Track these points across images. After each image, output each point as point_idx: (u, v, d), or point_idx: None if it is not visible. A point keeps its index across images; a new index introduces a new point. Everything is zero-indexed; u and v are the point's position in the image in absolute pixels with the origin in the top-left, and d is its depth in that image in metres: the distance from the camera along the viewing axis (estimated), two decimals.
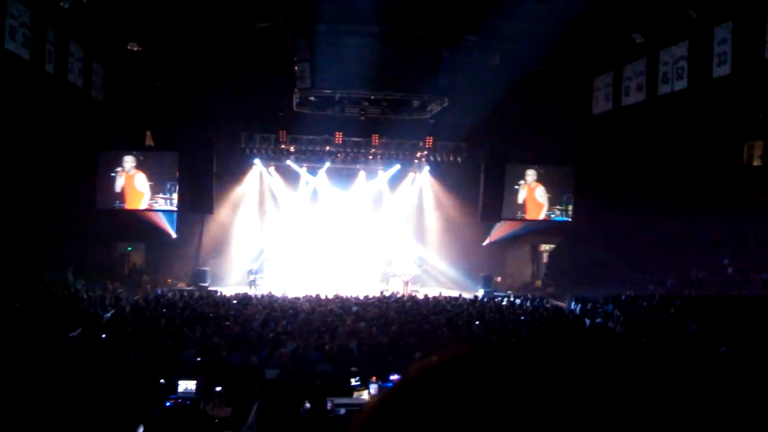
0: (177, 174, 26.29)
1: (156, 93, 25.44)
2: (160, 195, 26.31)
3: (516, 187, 28.16)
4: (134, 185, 26.25)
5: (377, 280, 27.77)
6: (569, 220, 28.23)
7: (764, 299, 18.20)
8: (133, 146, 26.77)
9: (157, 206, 26.45)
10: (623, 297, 22.01)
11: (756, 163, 27.58)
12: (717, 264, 22.56)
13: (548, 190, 28.23)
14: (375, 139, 26.31)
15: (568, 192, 28.25)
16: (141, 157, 26.38)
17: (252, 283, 25.81)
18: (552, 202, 28.37)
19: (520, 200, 28.23)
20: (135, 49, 21.48)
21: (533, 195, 28.31)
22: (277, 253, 28.23)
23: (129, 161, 26.16)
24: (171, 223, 27.30)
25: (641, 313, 19.73)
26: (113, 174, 26.14)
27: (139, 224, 26.90)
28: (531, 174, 28.28)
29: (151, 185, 26.29)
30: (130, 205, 26.29)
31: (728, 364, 13.49)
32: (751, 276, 20.67)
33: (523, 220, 28.83)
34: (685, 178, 24.48)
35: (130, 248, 28.39)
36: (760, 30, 15.67)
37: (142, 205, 26.42)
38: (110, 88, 23.25)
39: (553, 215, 28.51)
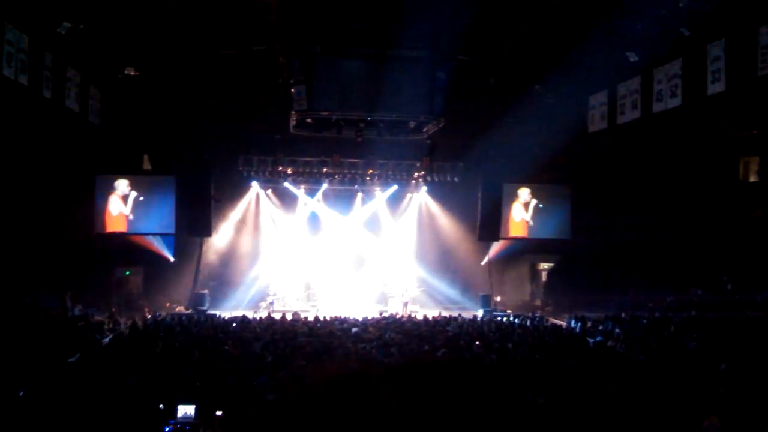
0: (174, 197, 26.31)
1: (153, 117, 25.51)
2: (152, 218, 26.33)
3: (512, 205, 28.23)
4: (121, 210, 26.14)
5: (376, 301, 27.71)
6: (567, 238, 28.23)
7: (764, 319, 18.17)
8: (131, 170, 26.78)
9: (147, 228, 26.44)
10: (623, 315, 21.98)
11: (752, 179, 27.64)
12: (716, 280, 22.53)
13: (544, 208, 28.28)
14: (372, 161, 26.50)
15: (564, 210, 28.29)
16: (137, 181, 26.42)
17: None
18: (548, 221, 28.40)
19: (517, 219, 28.25)
20: (132, 73, 21.54)
21: (528, 213, 28.34)
22: (281, 274, 28.27)
23: (122, 185, 26.11)
24: (169, 247, 27.27)
25: (641, 331, 19.69)
26: (109, 197, 26.13)
27: (137, 248, 26.85)
28: (525, 192, 28.32)
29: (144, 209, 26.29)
30: (114, 228, 26.17)
31: (729, 381, 13.45)
32: (750, 293, 20.63)
33: (519, 239, 28.83)
34: (682, 196, 24.53)
35: (128, 272, 28.31)
36: (752, 47, 15.77)
37: (135, 228, 26.34)
38: (107, 113, 23.31)
39: (549, 234, 28.54)
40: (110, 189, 26.16)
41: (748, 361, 14.39)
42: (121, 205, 26.11)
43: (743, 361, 14.50)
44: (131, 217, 26.11)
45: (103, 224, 26.08)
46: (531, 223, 28.31)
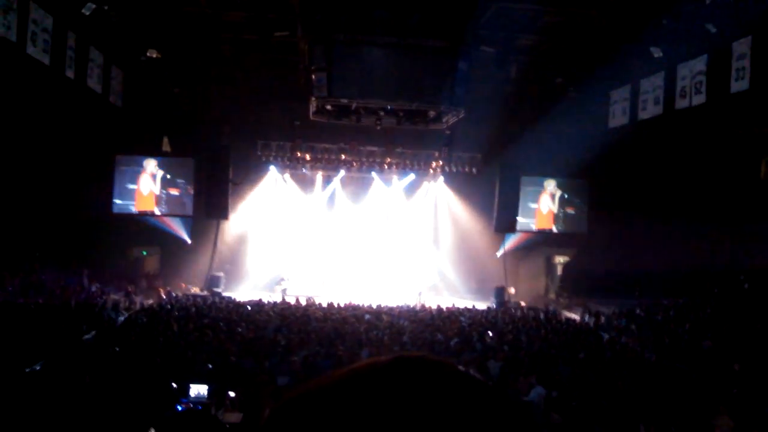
0: (192, 180, 26.55)
1: (174, 99, 25.65)
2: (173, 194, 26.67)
3: (535, 196, 28.30)
4: (151, 189, 26.54)
5: (390, 289, 27.75)
6: (585, 232, 28.19)
7: None
8: (150, 152, 27.00)
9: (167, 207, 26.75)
10: (637, 311, 21.87)
11: None
12: (734, 279, 22.37)
13: (566, 201, 28.34)
14: (390, 149, 26.50)
15: (582, 204, 28.30)
16: (159, 162, 26.73)
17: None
18: (567, 214, 28.44)
19: (544, 211, 28.30)
20: (154, 56, 21.65)
21: (555, 204, 28.41)
22: (297, 259, 28.43)
23: (150, 164, 26.48)
24: (186, 228, 27.49)
25: (655, 328, 19.59)
26: (132, 178, 26.46)
27: (155, 229, 27.10)
28: (551, 184, 28.38)
29: (167, 191, 26.63)
30: (144, 207, 26.54)
31: (743, 380, 13.36)
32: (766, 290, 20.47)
33: (538, 232, 28.83)
34: (703, 193, 24.33)
35: (145, 253, 28.56)
36: None
37: (157, 209, 26.71)
38: (129, 94, 23.46)
39: (565, 227, 28.58)
40: (140, 169, 26.47)
41: (762, 362, 14.29)
42: (151, 184, 26.45)
43: (758, 361, 14.40)
44: (162, 197, 26.52)
45: (122, 204, 26.38)
46: (558, 215, 28.42)
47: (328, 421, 0.68)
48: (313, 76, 20.29)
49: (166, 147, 27.98)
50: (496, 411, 0.73)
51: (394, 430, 0.66)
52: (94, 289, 22.71)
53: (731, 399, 11.93)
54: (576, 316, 23.97)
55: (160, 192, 26.69)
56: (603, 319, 21.83)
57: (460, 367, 0.78)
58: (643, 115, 21.46)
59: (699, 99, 18.74)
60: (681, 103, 19.45)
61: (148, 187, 26.56)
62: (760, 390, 12.60)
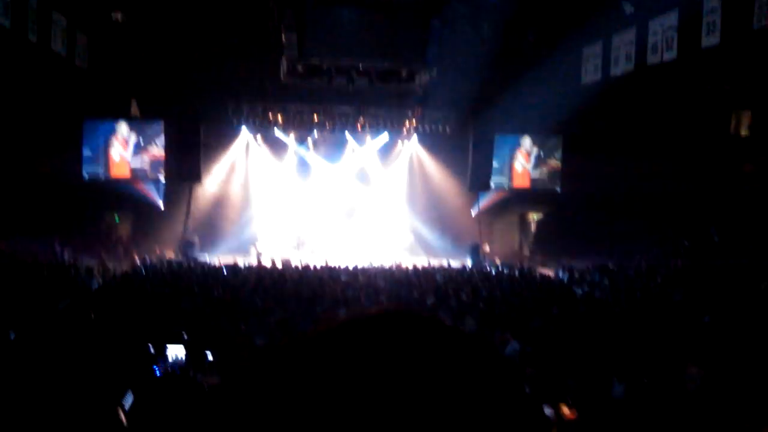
0: (164, 143, 26.18)
1: (141, 62, 25.15)
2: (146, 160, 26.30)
3: (509, 155, 28.33)
4: (122, 154, 26.13)
5: (365, 249, 27.81)
6: (558, 189, 28.38)
7: (749, 268, 18.40)
8: (119, 115, 26.53)
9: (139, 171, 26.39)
10: (610, 266, 22.18)
11: (743, 133, 27.68)
12: (704, 233, 22.73)
13: (540, 159, 28.45)
14: (363, 110, 26.34)
15: (556, 161, 28.43)
16: (129, 126, 26.28)
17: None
18: (541, 172, 28.58)
19: (519, 169, 28.38)
20: (119, 18, 21.17)
21: (530, 163, 28.49)
22: (271, 221, 28.32)
23: (121, 128, 26.02)
24: (158, 193, 27.20)
25: (628, 282, 19.90)
26: (103, 142, 26.00)
27: (127, 194, 26.76)
28: (527, 141, 28.41)
29: (139, 156, 26.25)
30: (116, 172, 26.17)
31: (712, 332, 13.67)
32: (736, 245, 20.85)
33: (512, 190, 28.96)
34: (673, 149, 24.56)
35: (117, 218, 28.29)
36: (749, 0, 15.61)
37: (129, 174, 26.34)
38: (95, 57, 22.94)
39: (541, 184, 28.73)
40: (111, 133, 26.00)
41: (732, 313, 14.62)
42: (122, 149, 26.03)
43: (727, 313, 14.73)
44: (133, 161, 26.13)
45: (107, 170, 26.00)
46: (533, 173, 28.51)
47: (309, 373, 0.67)
48: (284, 36, 20.02)
49: (134, 110, 27.53)
50: (483, 362, 0.72)
51: (379, 382, 0.65)
52: (66, 256, 22.47)
53: (701, 350, 12.21)
54: (550, 272, 24.27)
55: (132, 156, 26.28)
56: (576, 274, 22.13)
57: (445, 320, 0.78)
58: (616, 71, 21.49)
59: (670, 55, 18.78)
60: (652, 59, 19.49)
61: (119, 152, 26.14)
62: (729, 341, 12.91)
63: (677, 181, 23.91)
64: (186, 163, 25.92)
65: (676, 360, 11.60)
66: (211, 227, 28.22)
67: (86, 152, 25.89)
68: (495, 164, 28.13)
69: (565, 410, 9.47)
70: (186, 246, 26.13)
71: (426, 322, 0.74)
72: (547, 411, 9.12)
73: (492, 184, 28.44)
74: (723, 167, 23.69)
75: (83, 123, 25.82)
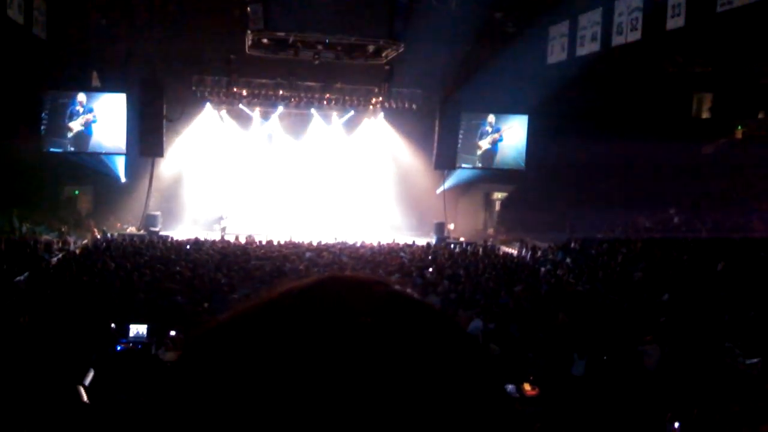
0: (125, 116, 25.62)
1: (102, 32, 24.53)
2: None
3: (475, 133, 28.36)
4: (82, 126, 25.53)
5: (330, 226, 27.73)
6: (522, 168, 28.53)
7: (706, 245, 18.76)
8: (80, 87, 25.90)
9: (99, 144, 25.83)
10: (572, 245, 22.45)
11: (704, 115, 28.11)
12: (664, 214, 23.09)
13: (504, 138, 28.51)
14: (329, 85, 26.11)
15: (521, 140, 28.52)
16: (89, 98, 25.64)
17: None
18: (506, 150, 28.66)
19: (484, 147, 28.43)
20: None
21: (491, 141, 28.55)
22: (236, 197, 27.99)
23: (82, 100, 25.38)
24: (120, 166, 26.68)
25: (589, 261, 20.18)
26: (63, 114, 25.35)
27: (87, 167, 26.19)
28: (491, 120, 28.45)
29: (100, 128, 25.65)
30: (76, 145, 25.60)
31: (671, 310, 13.95)
32: (695, 225, 21.23)
33: (478, 168, 29.05)
34: (636, 130, 24.83)
35: (77, 192, 27.74)
36: None
37: (91, 147, 25.76)
38: (53, 27, 22.31)
39: (506, 163, 28.85)
40: (71, 105, 25.35)
41: (690, 291, 14.92)
42: (81, 121, 25.39)
43: (686, 291, 15.03)
44: (85, 134, 25.50)
45: (67, 143, 25.41)
46: (498, 152, 28.58)
47: (250, 347, 0.64)
48: (249, 8, 19.69)
49: (95, 82, 26.92)
50: (440, 330, 0.68)
51: (322, 349, 0.61)
52: (24, 229, 22.02)
53: (660, 327, 12.46)
54: (513, 251, 24.49)
55: (93, 129, 25.66)
56: (539, 253, 22.37)
57: (396, 286, 0.74)
58: (581, 51, 21.64)
59: (635, 36, 18.95)
60: (617, 40, 19.65)
61: (79, 124, 25.52)
62: (686, 319, 13.19)
63: (640, 161, 24.21)
64: (149, 137, 25.45)
65: (635, 337, 11.85)
66: (174, 202, 27.84)
67: (45, 125, 25.24)
68: (461, 143, 28.16)
69: (527, 387, 9.61)
70: (148, 221, 25.76)
71: (365, 284, 0.71)
72: (510, 387, 9.24)
73: (458, 163, 28.49)
74: (684, 148, 24.01)
75: (43, 95, 25.15)
